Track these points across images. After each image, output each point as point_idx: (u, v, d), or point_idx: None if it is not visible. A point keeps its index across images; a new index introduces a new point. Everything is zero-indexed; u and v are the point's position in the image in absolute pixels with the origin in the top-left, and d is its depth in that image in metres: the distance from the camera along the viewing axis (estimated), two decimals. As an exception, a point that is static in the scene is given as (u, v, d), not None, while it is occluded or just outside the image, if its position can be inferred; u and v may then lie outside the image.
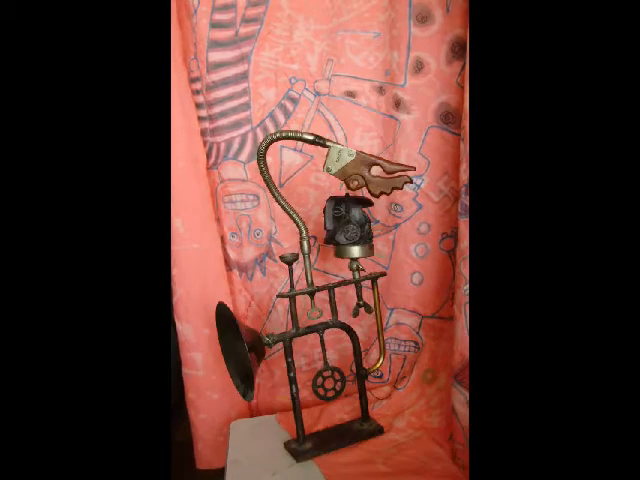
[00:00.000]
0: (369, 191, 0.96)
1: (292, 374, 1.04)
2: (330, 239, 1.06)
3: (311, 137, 0.95)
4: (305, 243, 1.01)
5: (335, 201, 1.05)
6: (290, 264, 1.01)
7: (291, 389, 1.04)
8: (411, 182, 0.96)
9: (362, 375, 1.10)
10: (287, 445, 1.06)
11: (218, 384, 1.25)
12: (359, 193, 1.09)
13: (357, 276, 1.05)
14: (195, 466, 1.31)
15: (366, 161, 0.94)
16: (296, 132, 0.96)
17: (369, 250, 1.05)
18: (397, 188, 0.95)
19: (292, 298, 1.02)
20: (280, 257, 1.02)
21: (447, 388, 1.13)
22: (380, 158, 0.95)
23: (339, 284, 1.06)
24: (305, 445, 1.04)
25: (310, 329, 1.05)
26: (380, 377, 1.27)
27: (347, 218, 1.03)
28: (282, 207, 1.01)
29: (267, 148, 0.97)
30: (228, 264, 1.31)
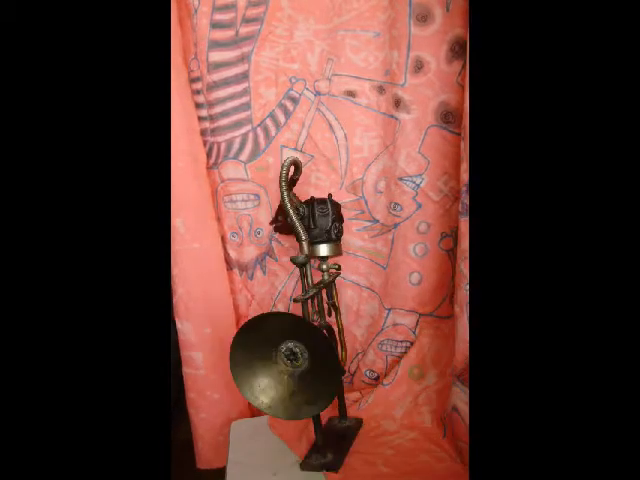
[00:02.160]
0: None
1: None
2: (318, 237, 1.07)
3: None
4: (305, 244, 1.02)
5: (318, 201, 1.08)
6: (302, 266, 1.02)
7: None
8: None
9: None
10: (307, 463, 1.00)
11: (218, 383, 1.25)
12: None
13: (327, 277, 1.08)
14: (195, 466, 1.31)
15: None
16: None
17: (339, 248, 1.10)
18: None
19: (305, 302, 1.00)
20: (291, 258, 1.02)
21: (436, 385, 1.13)
22: None
23: (326, 284, 1.08)
24: (328, 456, 1.01)
25: None
26: (376, 379, 1.27)
27: (334, 217, 1.07)
28: (289, 216, 1.02)
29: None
30: (229, 263, 1.31)
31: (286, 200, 1.00)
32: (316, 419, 1.00)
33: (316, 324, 1.04)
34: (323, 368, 0.94)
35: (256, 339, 0.94)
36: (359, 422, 1.14)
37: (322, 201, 1.08)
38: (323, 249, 1.07)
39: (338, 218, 1.09)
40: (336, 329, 1.12)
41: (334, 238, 1.07)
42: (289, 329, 0.94)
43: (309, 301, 1.01)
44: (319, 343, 0.93)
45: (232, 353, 0.94)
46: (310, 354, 0.96)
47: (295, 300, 0.98)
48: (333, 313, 1.11)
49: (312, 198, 1.09)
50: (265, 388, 0.97)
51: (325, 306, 1.09)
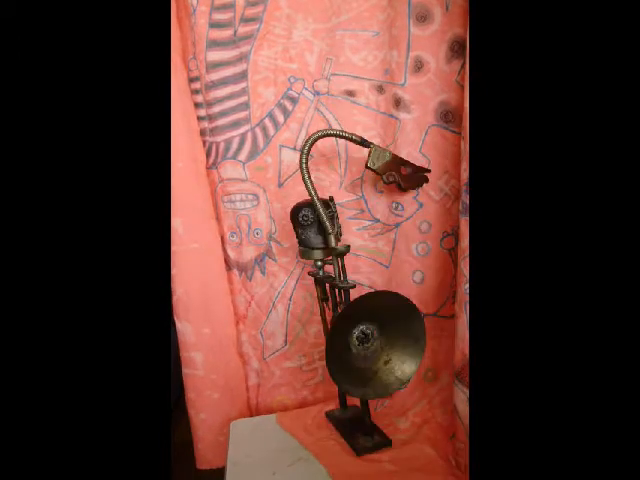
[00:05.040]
0: (400, 185, 1.12)
1: None
2: (335, 240, 1.06)
3: (359, 139, 1.06)
4: (332, 237, 1.02)
5: (326, 203, 1.06)
6: (342, 255, 1.03)
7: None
8: (427, 180, 1.13)
9: None
10: (362, 448, 1.04)
11: (218, 384, 1.25)
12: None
13: (322, 273, 1.10)
14: (194, 466, 1.31)
15: (397, 161, 1.10)
16: (345, 132, 1.05)
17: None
18: (420, 185, 1.14)
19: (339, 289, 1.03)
20: (333, 249, 1.02)
21: (449, 387, 1.13)
22: (407, 161, 1.11)
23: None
24: (375, 437, 1.06)
25: None
26: None
27: (337, 216, 1.07)
28: (316, 208, 1.02)
29: (312, 145, 1.02)
30: (228, 264, 1.31)
31: (309, 185, 1.01)
32: (364, 404, 1.05)
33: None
34: (403, 338, 0.98)
35: (341, 332, 0.97)
36: (357, 409, 1.16)
37: (326, 204, 1.06)
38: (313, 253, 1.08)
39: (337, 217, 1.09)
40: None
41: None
42: (360, 312, 0.95)
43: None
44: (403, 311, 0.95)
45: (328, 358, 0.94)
46: (382, 331, 1.00)
47: (348, 287, 1.01)
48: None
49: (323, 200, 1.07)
50: (351, 376, 0.98)
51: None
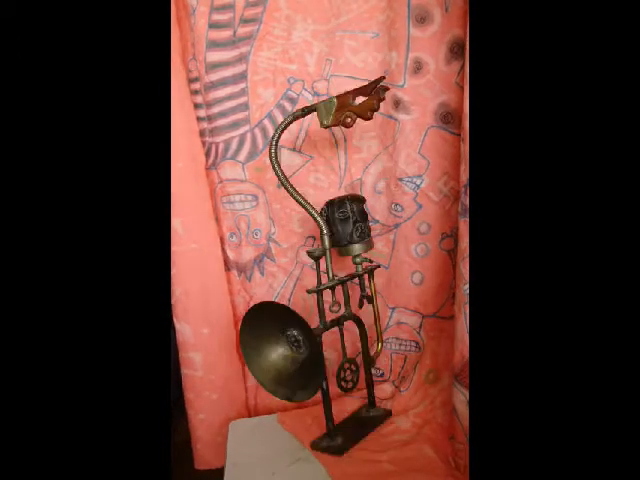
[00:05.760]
0: (362, 117, 0.98)
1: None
2: (342, 241, 1.07)
3: (300, 112, 1.03)
4: (326, 238, 1.02)
5: (337, 204, 1.07)
6: (317, 259, 1.03)
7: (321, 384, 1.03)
8: (388, 89, 0.99)
9: (369, 362, 1.14)
10: (317, 445, 1.05)
11: (217, 384, 1.25)
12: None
13: (360, 269, 1.10)
14: (194, 466, 1.31)
15: (347, 98, 0.99)
16: (287, 116, 1.04)
17: (370, 244, 1.11)
18: (381, 100, 0.97)
19: (319, 293, 1.02)
20: (308, 252, 1.03)
21: (450, 388, 1.13)
22: (355, 89, 0.98)
23: (352, 277, 1.09)
24: (337, 440, 1.05)
25: (333, 323, 1.06)
26: (381, 375, 1.27)
27: (354, 218, 1.07)
28: (300, 204, 1.03)
29: (277, 146, 1.03)
30: (227, 264, 1.30)
31: (281, 177, 1.01)
32: (327, 405, 1.04)
33: (337, 315, 1.06)
34: (314, 360, 0.98)
35: (265, 322, 0.99)
36: (387, 413, 1.16)
37: (341, 204, 1.07)
38: (347, 250, 1.08)
39: (361, 218, 1.08)
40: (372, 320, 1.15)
41: (356, 239, 1.07)
42: (295, 319, 0.97)
43: (330, 293, 1.03)
44: (308, 337, 0.97)
45: (242, 330, 1.00)
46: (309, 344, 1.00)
47: (308, 291, 1.02)
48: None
49: (330, 201, 1.08)
50: (269, 368, 1.02)
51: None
